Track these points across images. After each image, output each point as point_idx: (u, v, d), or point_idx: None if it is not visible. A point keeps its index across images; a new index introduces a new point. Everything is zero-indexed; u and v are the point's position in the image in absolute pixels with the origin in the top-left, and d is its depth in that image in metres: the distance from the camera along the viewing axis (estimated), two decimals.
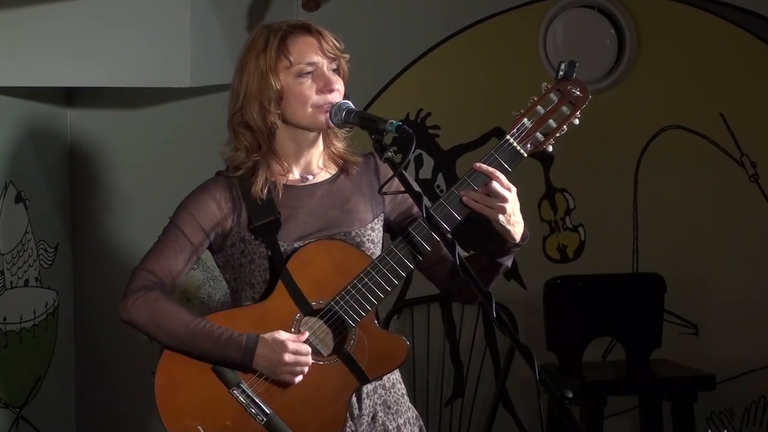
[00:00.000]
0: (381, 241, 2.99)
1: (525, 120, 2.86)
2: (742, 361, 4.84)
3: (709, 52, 4.83)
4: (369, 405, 2.94)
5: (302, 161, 2.97)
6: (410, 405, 3.04)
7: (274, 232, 2.90)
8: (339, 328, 2.87)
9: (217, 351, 2.84)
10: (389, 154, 2.77)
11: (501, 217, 2.81)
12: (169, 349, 2.89)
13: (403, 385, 3.04)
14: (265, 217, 2.90)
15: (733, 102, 4.82)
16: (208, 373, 2.87)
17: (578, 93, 2.89)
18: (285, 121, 2.92)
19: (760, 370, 4.84)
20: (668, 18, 4.85)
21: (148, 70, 4.44)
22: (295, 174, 2.97)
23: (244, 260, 2.92)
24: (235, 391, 2.86)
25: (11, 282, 4.71)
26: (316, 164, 2.98)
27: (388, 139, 2.79)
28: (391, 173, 2.80)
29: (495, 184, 2.81)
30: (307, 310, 2.86)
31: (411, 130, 2.74)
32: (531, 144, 2.86)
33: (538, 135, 2.87)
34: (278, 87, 2.89)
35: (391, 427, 2.96)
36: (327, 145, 3.00)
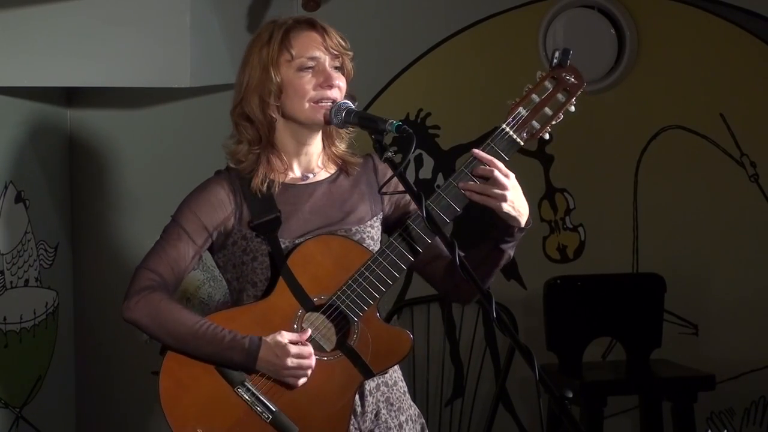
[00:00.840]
0: (380, 240, 2.99)
1: (520, 108, 2.86)
2: (742, 361, 4.84)
3: (709, 52, 4.83)
4: (372, 402, 2.95)
5: (302, 159, 2.97)
6: (411, 403, 3.04)
7: (275, 229, 2.90)
8: (341, 323, 2.87)
9: (220, 354, 2.84)
10: (389, 154, 2.77)
11: (504, 205, 2.81)
12: (171, 350, 2.89)
13: (404, 383, 3.04)
14: (266, 215, 2.90)
15: (733, 102, 4.82)
16: (213, 373, 2.87)
17: (573, 80, 2.89)
18: (284, 116, 2.93)
19: (760, 370, 4.84)
20: (668, 18, 4.85)
21: (148, 70, 4.44)
22: (296, 172, 2.97)
23: (246, 258, 2.92)
24: (239, 390, 2.86)
25: (11, 282, 4.71)
26: (316, 163, 2.99)
27: (388, 139, 2.79)
28: (391, 173, 2.81)
29: (495, 172, 2.81)
30: (309, 306, 2.87)
31: (411, 130, 2.74)
32: (527, 132, 2.86)
33: (534, 123, 2.87)
34: (279, 80, 2.89)
35: (393, 424, 2.96)
36: (328, 145, 3.00)
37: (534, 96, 2.87)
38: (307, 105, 2.90)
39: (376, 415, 2.95)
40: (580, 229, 4.96)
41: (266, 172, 2.93)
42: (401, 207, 3.02)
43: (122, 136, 5.00)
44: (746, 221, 4.83)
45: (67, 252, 4.98)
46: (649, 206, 4.90)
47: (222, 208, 2.93)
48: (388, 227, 3.03)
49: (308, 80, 2.90)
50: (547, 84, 2.89)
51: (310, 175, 2.98)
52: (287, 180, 2.95)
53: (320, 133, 2.98)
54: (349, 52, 2.95)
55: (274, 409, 2.85)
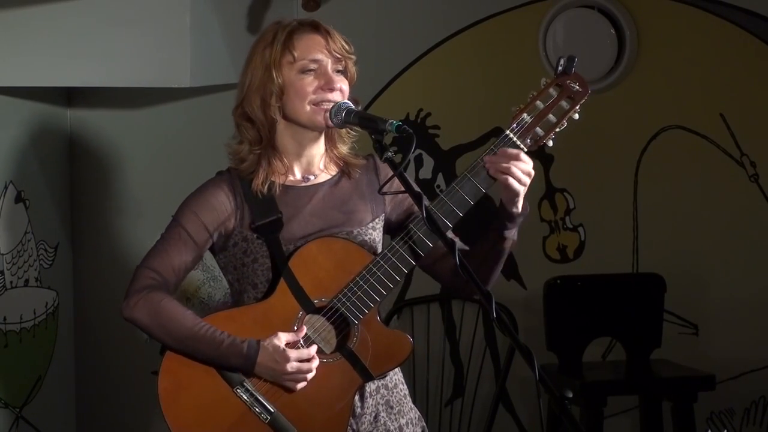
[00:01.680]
0: (382, 241, 2.99)
1: (524, 115, 2.86)
2: (742, 361, 4.84)
3: (709, 52, 4.83)
4: (371, 404, 2.95)
5: (303, 161, 2.97)
6: (412, 406, 3.04)
7: (276, 231, 2.90)
8: (341, 325, 2.87)
9: (219, 357, 2.84)
10: (389, 154, 2.77)
11: (518, 185, 2.80)
12: (170, 350, 2.89)
13: (405, 386, 3.04)
14: (267, 216, 2.90)
15: (733, 102, 4.82)
16: (212, 373, 2.87)
17: (577, 87, 2.90)
18: (285, 117, 2.92)
19: (760, 370, 4.84)
20: (668, 18, 4.85)
21: (148, 70, 4.45)
22: (296, 174, 2.97)
23: (246, 260, 2.92)
24: (238, 390, 2.86)
25: (11, 282, 4.71)
26: (317, 165, 2.99)
27: (388, 139, 2.79)
28: (391, 173, 2.81)
29: (521, 154, 2.81)
30: (310, 308, 2.87)
31: (411, 130, 2.74)
32: (531, 139, 2.87)
33: (538, 130, 2.87)
34: (280, 81, 2.89)
35: (392, 427, 2.96)
36: (330, 147, 3.00)
37: (538, 102, 2.87)
38: (307, 107, 2.90)
39: (375, 417, 2.95)
40: (580, 229, 4.96)
41: (267, 173, 2.93)
42: (404, 209, 3.01)
43: (122, 136, 5.00)
44: (746, 221, 4.83)
45: (67, 252, 4.99)
46: (649, 206, 4.90)
47: (222, 209, 2.93)
48: (390, 229, 3.02)
49: (309, 82, 2.90)
50: (552, 91, 2.89)
51: (311, 177, 2.98)
52: (288, 182, 2.95)
53: (322, 136, 2.98)
54: (353, 56, 2.95)
55: (272, 410, 2.85)
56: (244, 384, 2.86)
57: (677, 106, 4.86)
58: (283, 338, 2.83)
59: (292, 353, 2.82)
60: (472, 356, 4.85)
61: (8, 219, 4.68)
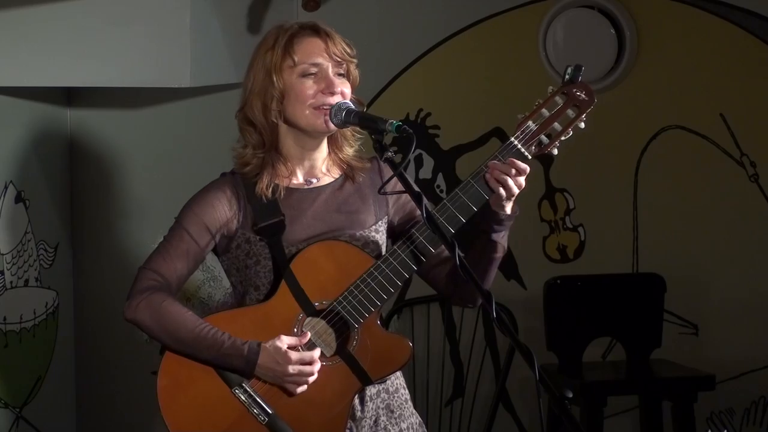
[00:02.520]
0: (384, 244, 2.99)
1: (530, 123, 2.86)
2: (742, 361, 4.84)
3: (709, 52, 4.83)
4: (372, 408, 2.94)
5: (306, 164, 2.97)
6: (414, 411, 3.04)
7: (278, 233, 2.90)
8: (342, 328, 2.87)
9: (220, 358, 2.84)
10: (389, 154, 2.77)
11: (505, 195, 2.81)
12: (171, 351, 2.89)
13: (407, 391, 3.04)
14: (270, 218, 2.90)
15: (733, 102, 4.82)
16: (211, 373, 2.87)
17: (584, 96, 2.89)
18: (286, 121, 2.92)
19: (760, 370, 4.84)
20: (668, 18, 4.85)
21: (148, 70, 4.45)
22: (299, 177, 2.97)
23: (249, 261, 2.92)
24: (237, 391, 2.86)
25: (11, 282, 4.71)
26: (320, 168, 2.98)
27: (388, 139, 2.79)
28: (392, 173, 2.80)
29: (522, 165, 2.82)
30: (310, 311, 2.87)
31: (411, 130, 2.74)
32: (535, 146, 2.86)
33: (543, 138, 2.87)
34: (281, 85, 2.89)
35: (393, 431, 2.96)
36: (334, 150, 2.99)
37: (544, 110, 2.87)
38: (307, 111, 2.90)
39: (376, 421, 2.95)
40: (580, 229, 4.96)
41: (271, 176, 2.92)
42: (406, 213, 3.01)
43: (122, 136, 5.00)
44: (746, 221, 4.83)
45: (67, 252, 4.98)
46: (649, 206, 4.90)
47: (224, 211, 2.92)
48: (393, 234, 3.02)
49: (310, 86, 2.90)
50: (558, 99, 2.88)
51: (314, 180, 2.97)
52: (291, 185, 2.95)
53: (324, 139, 2.97)
54: (354, 59, 2.95)
55: (270, 412, 2.85)
56: (243, 385, 2.86)
57: (677, 106, 4.86)
58: (285, 341, 2.83)
59: (294, 355, 2.82)
60: (472, 356, 4.85)
61: (8, 219, 4.68)
